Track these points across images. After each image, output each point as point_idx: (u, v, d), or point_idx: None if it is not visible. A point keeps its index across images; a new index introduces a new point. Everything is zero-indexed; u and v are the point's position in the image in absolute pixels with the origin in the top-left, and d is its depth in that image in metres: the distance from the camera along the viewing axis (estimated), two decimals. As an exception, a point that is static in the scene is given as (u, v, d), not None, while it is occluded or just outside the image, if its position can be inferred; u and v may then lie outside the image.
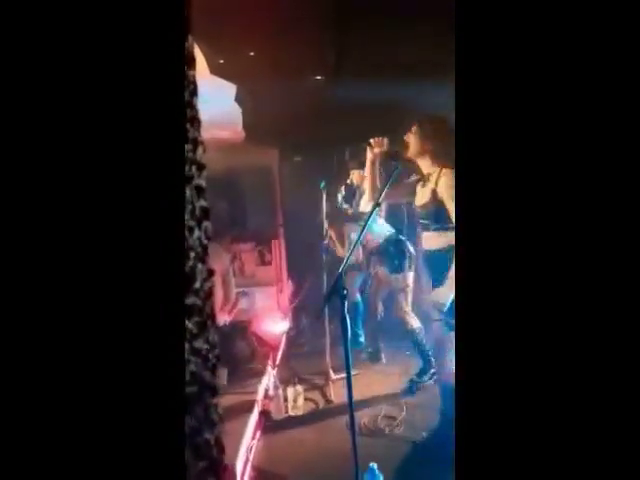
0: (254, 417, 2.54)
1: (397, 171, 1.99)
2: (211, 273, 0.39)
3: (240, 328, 3.31)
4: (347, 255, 1.75)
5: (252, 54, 2.30)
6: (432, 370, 2.99)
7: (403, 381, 3.02)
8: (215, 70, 2.36)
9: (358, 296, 3.63)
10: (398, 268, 3.07)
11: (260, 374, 3.00)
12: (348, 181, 3.55)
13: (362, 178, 3.54)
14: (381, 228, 3.21)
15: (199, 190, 0.37)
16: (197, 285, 0.36)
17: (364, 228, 1.85)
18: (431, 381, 2.96)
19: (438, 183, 2.25)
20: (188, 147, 0.36)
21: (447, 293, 2.11)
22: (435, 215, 2.26)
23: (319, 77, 2.68)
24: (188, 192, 0.36)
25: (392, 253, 3.10)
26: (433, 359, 2.98)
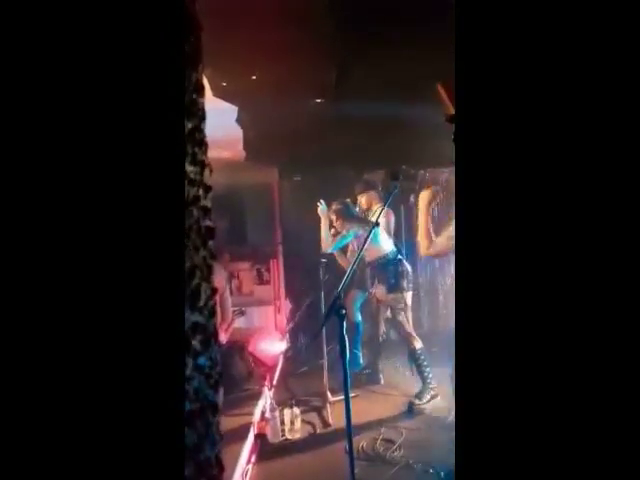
0: (249, 440, 2.49)
1: (396, 191, 2.04)
2: (215, 291, 0.40)
3: (237, 348, 3.27)
4: (346, 274, 1.76)
5: (254, 77, 2.36)
6: (431, 392, 2.95)
7: (402, 403, 2.98)
8: (218, 92, 2.41)
9: (358, 316, 3.60)
10: (395, 287, 3.06)
11: (256, 395, 2.95)
12: (356, 206, 3.54)
13: (371, 201, 3.53)
14: (384, 242, 3.20)
15: (205, 210, 0.38)
16: (201, 303, 0.37)
17: (362, 248, 1.87)
18: (429, 404, 2.92)
19: None
20: (196, 169, 0.38)
21: None
22: None
23: (319, 100, 2.74)
24: (195, 212, 0.37)
25: (390, 271, 3.10)
26: (433, 381, 2.95)
